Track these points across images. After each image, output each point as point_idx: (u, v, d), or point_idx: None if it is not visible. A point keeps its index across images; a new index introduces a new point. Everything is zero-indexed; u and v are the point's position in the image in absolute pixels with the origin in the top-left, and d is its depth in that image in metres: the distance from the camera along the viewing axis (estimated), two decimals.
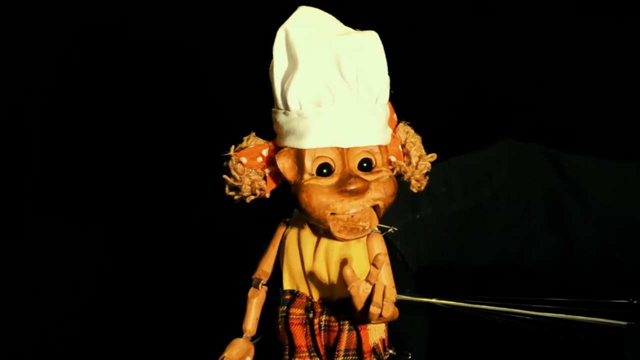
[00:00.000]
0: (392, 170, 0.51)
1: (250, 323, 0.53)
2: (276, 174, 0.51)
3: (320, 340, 0.51)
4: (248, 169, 0.51)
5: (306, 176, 0.49)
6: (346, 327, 0.50)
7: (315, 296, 0.52)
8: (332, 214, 0.48)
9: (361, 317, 0.48)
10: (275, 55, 0.50)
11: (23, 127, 1.10)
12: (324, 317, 0.51)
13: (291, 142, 0.50)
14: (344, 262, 0.50)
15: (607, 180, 0.90)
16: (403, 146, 0.52)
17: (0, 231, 1.08)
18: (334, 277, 0.51)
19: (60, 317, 1.02)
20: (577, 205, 0.87)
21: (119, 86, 1.09)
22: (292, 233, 0.53)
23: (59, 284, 1.04)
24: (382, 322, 0.49)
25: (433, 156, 0.53)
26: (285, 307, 0.52)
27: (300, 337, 0.51)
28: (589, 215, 0.87)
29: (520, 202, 0.87)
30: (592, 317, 0.54)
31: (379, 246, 0.51)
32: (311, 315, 0.51)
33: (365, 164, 0.50)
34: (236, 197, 0.52)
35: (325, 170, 0.49)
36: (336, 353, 0.50)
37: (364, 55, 0.49)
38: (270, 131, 0.52)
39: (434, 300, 0.54)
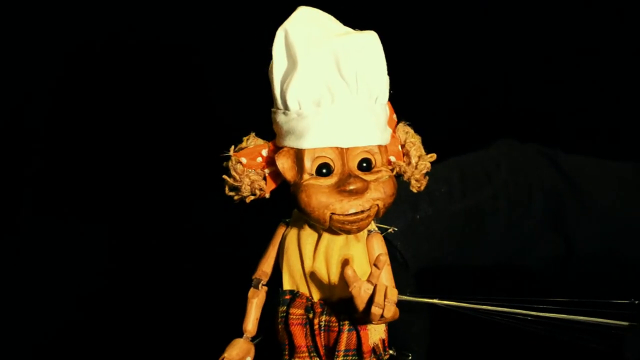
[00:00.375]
0: (392, 170, 0.51)
1: (251, 323, 0.53)
2: (276, 174, 0.51)
3: (320, 341, 0.51)
4: (248, 169, 0.51)
5: (306, 176, 0.49)
6: (346, 327, 0.51)
7: (315, 296, 0.52)
8: (332, 214, 0.48)
9: (362, 318, 0.49)
10: (274, 55, 0.50)
11: (23, 127, 1.10)
12: (323, 318, 0.51)
13: (291, 142, 0.50)
14: (345, 263, 0.50)
15: (606, 180, 0.90)
16: (403, 146, 0.52)
17: (0, 231, 1.08)
18: (334, 278, 0.51)
19: (60, 317, 1.02)
20: (576, 205, 0.87)
21: (119, 86, 1.09)
22: (292, 233, 0.53)
23: (59, 284, 1.03)
24: (383, 322, 0.49)
25: (433, 156, 0.53)
26: (285, 308, 0.52)
27: (300, 337, 0.51)
28: (589, 215, 0.87)
29: (520, 202, 0.87)
30: (592, 317, 0.54)
31: (379, 246, 0.51)
32: (311, 315, 0.51)
33: (364, 164, 0.49)
34: (236, 197, 0.52)
35: (324, 170, 0.49)
36: (336, 353, 0.51)
37: (363, 55, 0.49)
38: (269, 131, 0.52)
39: (434, 300, 0.54)
